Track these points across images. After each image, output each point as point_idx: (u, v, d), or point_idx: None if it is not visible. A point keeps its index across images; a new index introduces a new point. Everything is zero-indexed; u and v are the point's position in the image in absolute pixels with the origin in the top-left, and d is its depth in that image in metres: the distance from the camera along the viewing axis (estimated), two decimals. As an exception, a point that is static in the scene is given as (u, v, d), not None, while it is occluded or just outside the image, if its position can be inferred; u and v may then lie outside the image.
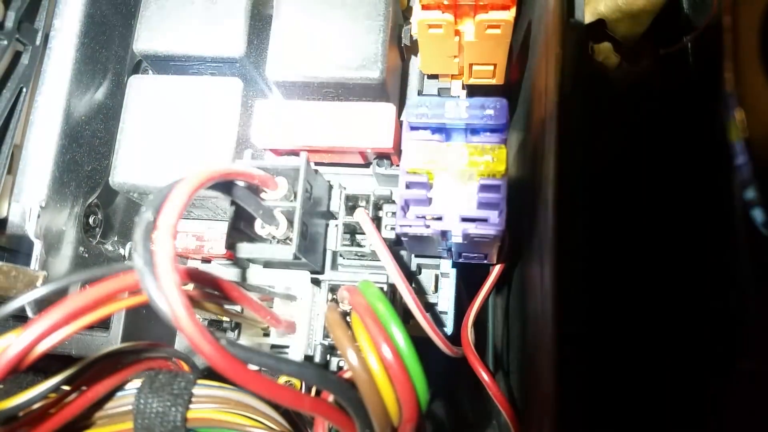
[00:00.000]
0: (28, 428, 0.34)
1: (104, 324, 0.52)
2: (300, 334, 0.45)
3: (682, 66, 0.58)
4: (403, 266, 0.49)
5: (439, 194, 0.38)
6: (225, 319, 0.49)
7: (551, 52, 0.39)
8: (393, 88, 0.48)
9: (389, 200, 0.46)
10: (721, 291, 0.50)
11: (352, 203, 0.47)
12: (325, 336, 0.46)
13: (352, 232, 0.47)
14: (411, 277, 0.50)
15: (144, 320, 0.53)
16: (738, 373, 0.47)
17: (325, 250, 0.47)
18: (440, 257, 0.48)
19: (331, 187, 0.48)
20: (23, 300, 0.32)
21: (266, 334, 0.47)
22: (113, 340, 0.51)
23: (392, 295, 0.46)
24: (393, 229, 0.45)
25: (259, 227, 0.43)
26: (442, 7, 0.40)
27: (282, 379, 0.46)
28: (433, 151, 0.36)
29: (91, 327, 0.31)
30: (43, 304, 0.32)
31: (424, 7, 0.40)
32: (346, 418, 0.33)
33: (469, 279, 0.51)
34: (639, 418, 0.53)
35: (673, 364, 0.53)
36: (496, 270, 0.49)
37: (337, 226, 0.47)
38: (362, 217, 0.44)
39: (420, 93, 0.51)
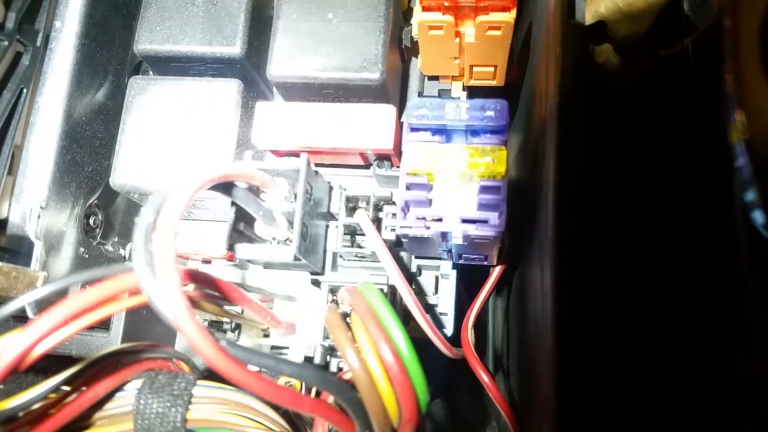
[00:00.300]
0: (28, 428, 0.34)
1: (104, 325, 0.52)
2: (300, 335, 0.45)
3: (682, 67, 0.58)
4: (404, 267, 0.49)
5: (440, 196, 0.38)
6: (225, 320, 0.49)
7: (551, 54, 0.39)
8: (393, 89, 0.48)
9: (389, 201, 0.46)
10: (721, 293, 0.50)
11: (352, 204, 0.47)
12: (325, 337, 0.46)
13: (352, 233, 0.47)
14: (411, 278, 0.50)
15: (144, 321, 0.53)
16: (738, 374, 0.47)
17: (325, 251, 0.47)
18: (440, 259, 0.48)
19: (331, 189, 0.48)
20: (23, 300, 0.32)
21: (266, 335, 0.47)
22: (113, 341, 0.51)
23: (392, 296, 0.46)
24: (393, 230, 0.45)
25: (260, 228, 0.43)
26: (442, 8, 0.40)
27: (282, 380, 0.46)
28: (433, 152, 0.36)
29: (91, 328, 0.31)
30: (43, 305, 0.32)
31: (425, 9, 0.40)
32: (345, 419, 0.33)
33: (469, 280, 0.51)
34: (639, 419, 0.53)
35: (672, 365, 0.53)
36: (496, 271, 0.49)
37: (337, 227, 0.47)
38: (362, 218, 0.44)
39: (420, 94, 0.51)
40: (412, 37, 0.47)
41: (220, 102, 0.48)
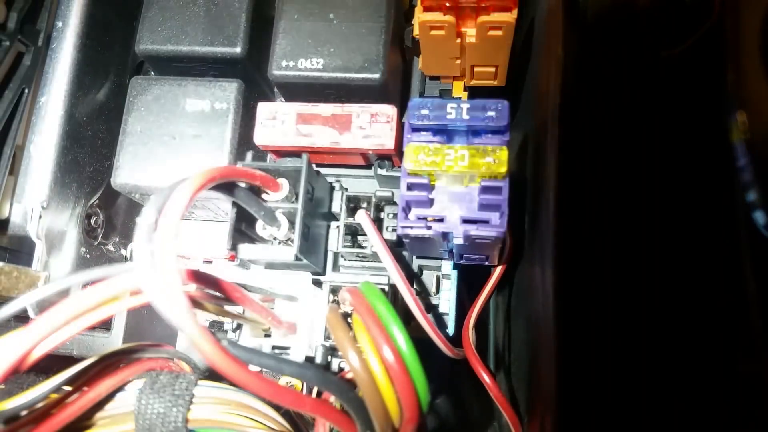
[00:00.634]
0: (30, 428, 0.33)
1: (106, 325, 0.52)
2: (301, 335, 0.45)
3: (683, 67, 0.58)
4: (405, 267, 0.49)
5: (441, 196, 0.38)
6: (226, 320, 0.49)
7: (553, 54, 0.39)
8: (394, 89, 0.48)
9: (391, 201, 0.47)
10: (722, 293, 0.50)
11: (353, 204, 0.47)
12: (327, 337, 0.46)
13: (353, 233, 0.47)
14: (412, 278, 0.50)
15: (145, 321, 0.53)
16: (739, 376, 0.47)
17: (326, 251, 0.47)
18: (441, 259, 0.48)
19: (332, 189, 0.48)
20: (25, 300, 0.32)
21: (267, 335, 0.47)
22: (115, 341, 0.52)
23: (393, 296, 0.46)
24: (394, 230, 0.45)
25: (261, 228, 0.43)
26: (443, 8, 0.40)
27: (283, 380, 0.46)
28: (434, 152, 0.36)
29: (92, 328, 0.31)
30: (44, 305, 0.32)
31: (426, 9, 0.40)
32: (347, 419, 0.33)
33: (470, 280, 0.51)
34: (640, 419, 0.53)
35: (674, 364, 0.53)
36: (497, 271, 0.49)
37: (338, 227, 0.47)
38: (363, 218, 0.44)
39: (422, 94, 0.51)
40: (413, 37, 0.47)
41: (222, 102, 0.48)
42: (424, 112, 0.37)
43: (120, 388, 0.37)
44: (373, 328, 0.33)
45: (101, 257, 0.54)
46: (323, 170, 0.48)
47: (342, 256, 0.48)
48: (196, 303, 0.36)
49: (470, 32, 0.42)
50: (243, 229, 0.43)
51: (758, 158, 0.41)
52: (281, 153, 0.47)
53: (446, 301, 0.49)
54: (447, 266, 0.49)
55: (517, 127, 0.54)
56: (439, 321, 0.49)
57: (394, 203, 0.46)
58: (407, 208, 0.38)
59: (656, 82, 0.60)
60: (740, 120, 0.42)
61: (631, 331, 0.53)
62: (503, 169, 0.35)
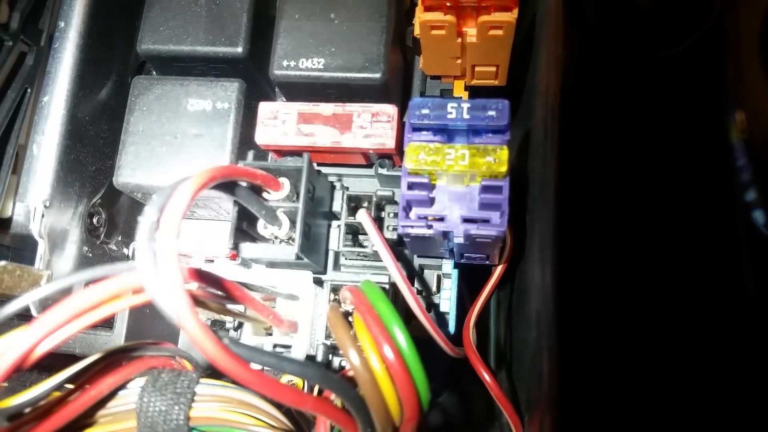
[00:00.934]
0: (32, 426, 0.34)
1: (108, 323, 0.52)
2: (302, 333, 0.45)
3: (683, 67, 0.58)
4: (405, 267, 0.49)
5: (441, 195, 0.38)
6: (228, 318, 0.49)
7: (553, 54, 0.39)
8: (395, 89, 0.48)
9: (391, 201, 0.47)
10: (721, 292, 0.50)
11: (354, 204, 0.47)
12: (328, 336, 0.46)
13: (354, 232, 0.47)
14: (413, 277, 0.50)
15: (147, 319, 0.54)
16: (739, 375, 0.47)
17: (327, 250, 0.48)
18: (442, 258, 0.49)
19: (333, 188, 0.48)
20: (27, 299, 0.32)
21: (269, 334, 0.48)
22: (117, 339, 0.52)
23: (394, 295, 0.46)
24: (395, 229, 0.45)
25: (262, 227, 0.43)
26: (444, 8, 0.40)
27: (284, 379, 0.46)
28: (434, 152, 0.36)
29: (94, 326, 0.31)
30: (47, 303, 0.32)
31: (427, 8, 0.40)
32: (347, 418, 0.34)
33: (470, 279, 0.51)
34: (640, 419, 0.53)
35: (674, 364, 0.53)
36: (498, 270, 0.49)
37: (339, 226, 0.47)
38: (364, 217, 0.44)
39: (422, 94, 0.51)
40: (414, 36, 0.47)
41: (223, 102, 0.48)
42: (425, 111, 0.37)
43: (122, 386, 0.37)
44: (373, 327, 0.33)
45: (103, 256, 0.54)
46: (324, 169, 0.49)
47: (343, 255, 0.48)
48: (197, 301, 0.36)
49: (471, 32, 0.42)
50: (244, 228, 0.43)
51: (757, 157, 0.42)
52: (282, 152, 0.47)
53: (447, 300, 0.49)
54: (448, 265, 0.49)
55: (517, 126, 0.54)
56: (440, 320, 0.49)
57: (395, 202, 0.47)
58: (408, 208, 0.38)
59: (656, 82, 0.60)
60: (739, 120, 0.42)
61: (630, 330, 0.54)
62: (504, 168, 0.35)
